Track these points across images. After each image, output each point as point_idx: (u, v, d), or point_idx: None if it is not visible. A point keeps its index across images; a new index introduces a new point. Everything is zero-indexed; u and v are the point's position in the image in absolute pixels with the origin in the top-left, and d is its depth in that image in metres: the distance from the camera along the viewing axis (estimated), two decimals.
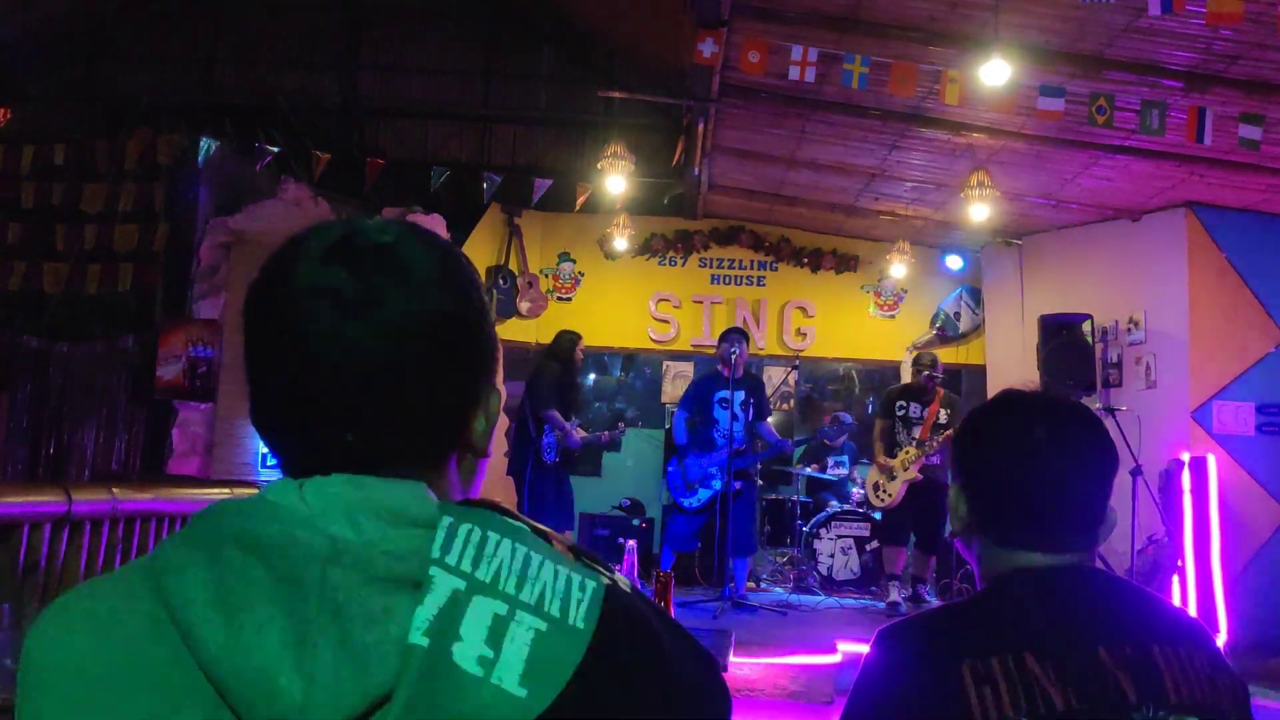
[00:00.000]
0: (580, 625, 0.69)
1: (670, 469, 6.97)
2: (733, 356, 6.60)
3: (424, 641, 0.66)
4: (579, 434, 6.98)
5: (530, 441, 6.81)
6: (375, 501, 0.71)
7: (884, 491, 6.96)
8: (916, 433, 6.88)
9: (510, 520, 0.74)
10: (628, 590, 0.75)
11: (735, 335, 6.80)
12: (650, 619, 0.75)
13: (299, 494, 0.71)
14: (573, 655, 0.68)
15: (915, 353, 7.38)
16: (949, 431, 6.77)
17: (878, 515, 7.38)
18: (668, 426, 9.05)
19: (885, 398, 7.33)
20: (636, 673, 0.71)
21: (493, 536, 0.71)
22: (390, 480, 0.73)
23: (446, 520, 0.71)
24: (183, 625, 0.68)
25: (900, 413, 6.98)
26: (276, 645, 0.65)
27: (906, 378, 8.65)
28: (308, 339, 0.74)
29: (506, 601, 0.68)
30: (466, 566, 0.69)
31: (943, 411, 6.89)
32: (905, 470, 6.84)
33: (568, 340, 7.15)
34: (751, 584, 7.62)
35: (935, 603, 6.94)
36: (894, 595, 6.91)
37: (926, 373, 6.93)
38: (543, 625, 0.68)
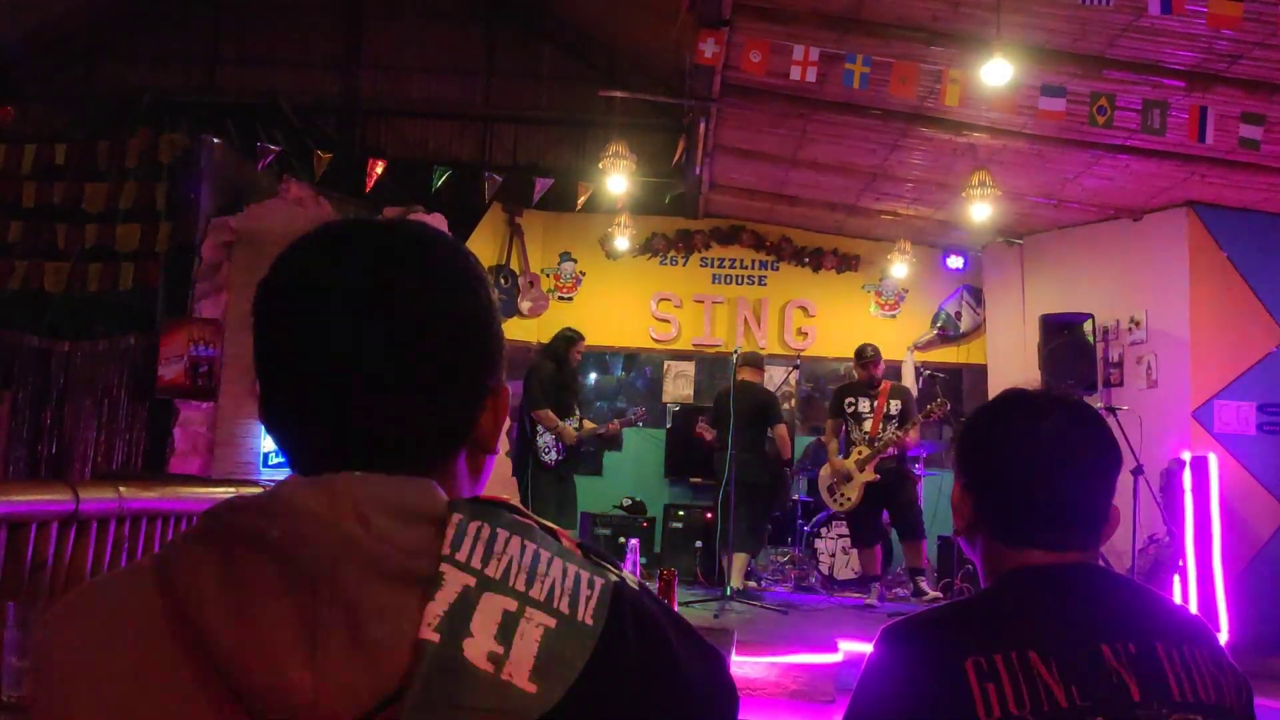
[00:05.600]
0: (589, 622, 0.69)
1: None
2: None
3: (435, 637, 0.66)
4: (584, 428, 6.96)
5: (528, 442, 6.80)
6: (385, 498, 0.71)
7: (841, 496, 6.85)
8: (867, 428, 6.81)
9: (519, 517, 0.74)
10: (635, 587, 0.76)
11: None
12: (658, 616, 0.75)
13: (309, 490, 0.71)
14: (582, 652, 0.68)
15: (913, 351, 7.34)
16: (906, 428, 6.71)
17: (844, 519, 7.33)
18: (669, 426, 9.06)
19: (833, 395, 7.24)
20: (645, 669, 0.71)
21: (502, 533, 0.71)
22: (399, 477, 0.73)
23: (456, 517, 0.71)
24: (194, 621, 0.68)
25: (849, 409, 6.90)
26: (288, 641, 0.66)
27: (908, 378, 8.66)
28: (316, 336, 0.74)
29: (516, 598, 0.68)
30: (476, 563, 0.69)
31: (892, 403, 6.80)
32: (861, 471, 6.75)
33: (564, 339, 7.11)
34: (753, 583, 7.63)
35: (934, 593, 6.93)
36: (871, 598, 6.90)
37: (869, 372, 6.89)
38: (552, 622, 0.68)
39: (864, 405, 6.86)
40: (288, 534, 0.69)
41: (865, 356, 6.97)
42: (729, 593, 6.52)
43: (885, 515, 7.05)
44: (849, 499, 6.81)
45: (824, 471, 7.09)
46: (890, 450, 6.69)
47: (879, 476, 6.70)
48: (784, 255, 9.29)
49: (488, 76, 10.15)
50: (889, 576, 7.49)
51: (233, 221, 7.56)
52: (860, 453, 6.76)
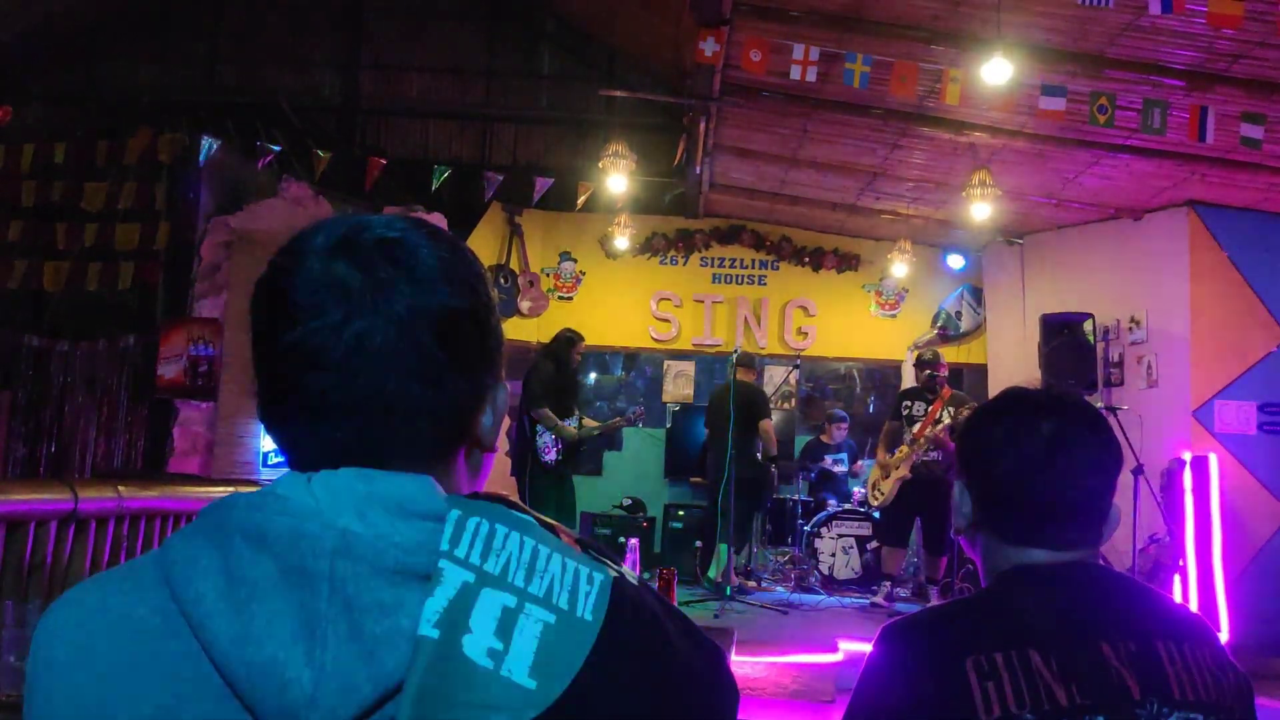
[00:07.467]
0: (588, 617, 0.69)
1: None
2: None
3: (434, 633, 0.66)
4: (584, 427, 6.97)
5: (527, 442, 6.79)
6: (384, 495, 0.71)
7: (878, 490, 7.03)
8: (916, 430, 6.89)
9: (518, 513, 0.74)
10: (635, 583, 0.75)
11: None
12: (657, 611, 0.75)
13: (307, 487, 0.71)
14: (581, 647, 0.68)
15: (917, 352, 7.41)
16: (937, 429, 6.74)
17: (877, 514, 7.40)
18: (669, 425, 9.06)
19: (895, 397, 7.48)
20: (644, 664, 0.71)
21: (501, 529, 0.71)
22: (398, 474, 0.73)
23: (455, 513, 0.71)
24: (193, 618, 0.68)
25: (906, 412, 7.00)
26: (286, 637, 0.65)
27: (908, 377, 8.67)
28: (314, 334, 0.74)
29: (515, 594, 0.68)
30: (475, 559, 0.69)
31: (946, 411, 6.85)
32: (896, 469, 6.86)
33: (564, 340, 7.11)
34: (752, 582, 7.64)
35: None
36: (879, 596, 6.92)
37: (928, 372, 6.95)
38: (551, 617, 0.68)
39: (919, 409, 6.94)
40: (286, 530, 0.69)
41: (920, 362, 7.13)
42: (728, 592, 6.54)
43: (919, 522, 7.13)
44: (882, 493, 6.97)
45: (873, 471, 7.31)
46: (934, 454, 6.76)
47: (910, 474, 6.78)
48: (784, 255, 9.30)
49: (488, 76, 10.15)
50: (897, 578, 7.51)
51: (232, 221, 7.56)
52: (901, 452, 6.85)
